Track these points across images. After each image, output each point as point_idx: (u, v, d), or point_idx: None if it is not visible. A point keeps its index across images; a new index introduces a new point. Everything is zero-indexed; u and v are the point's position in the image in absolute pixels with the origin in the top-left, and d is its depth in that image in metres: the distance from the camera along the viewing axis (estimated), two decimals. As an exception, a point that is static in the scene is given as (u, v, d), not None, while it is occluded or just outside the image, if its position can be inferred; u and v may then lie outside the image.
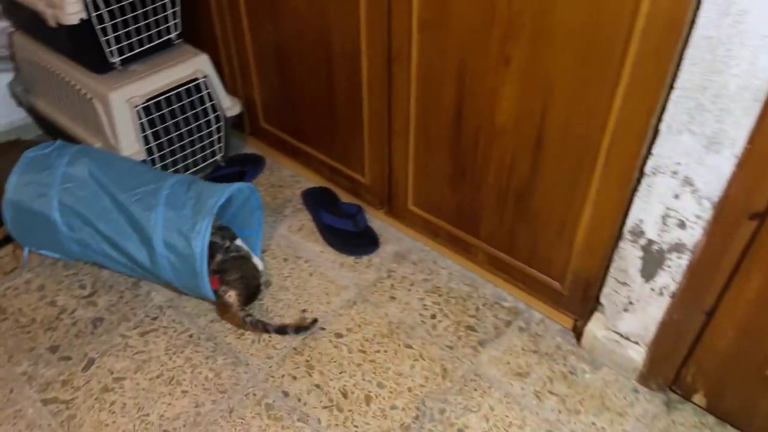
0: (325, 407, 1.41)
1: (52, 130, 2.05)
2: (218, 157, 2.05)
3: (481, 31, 1.26)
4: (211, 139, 1.98)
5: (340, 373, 1.48)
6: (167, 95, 1.80)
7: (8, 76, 2.13)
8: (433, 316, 1.60)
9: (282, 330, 1.52)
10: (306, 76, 1.74)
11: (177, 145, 1.88)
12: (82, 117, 1.86)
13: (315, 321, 1.56)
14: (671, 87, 1.06)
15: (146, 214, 1.48)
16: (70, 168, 1.56)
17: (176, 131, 1.86)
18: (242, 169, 2.04)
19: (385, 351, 1.52)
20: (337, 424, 1.37)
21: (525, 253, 1.51)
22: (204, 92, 1.89)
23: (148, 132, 1.80)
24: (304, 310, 1.62)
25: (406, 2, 1.35)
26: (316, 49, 1.64)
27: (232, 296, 1.50)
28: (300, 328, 1.53)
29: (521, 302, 1.63)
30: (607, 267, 1.36)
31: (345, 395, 1.43)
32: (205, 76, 1.87)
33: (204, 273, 1.44)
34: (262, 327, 1.50)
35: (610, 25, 1.08)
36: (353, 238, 1.79)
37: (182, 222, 1.47)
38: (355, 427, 1.37)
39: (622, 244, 1.30)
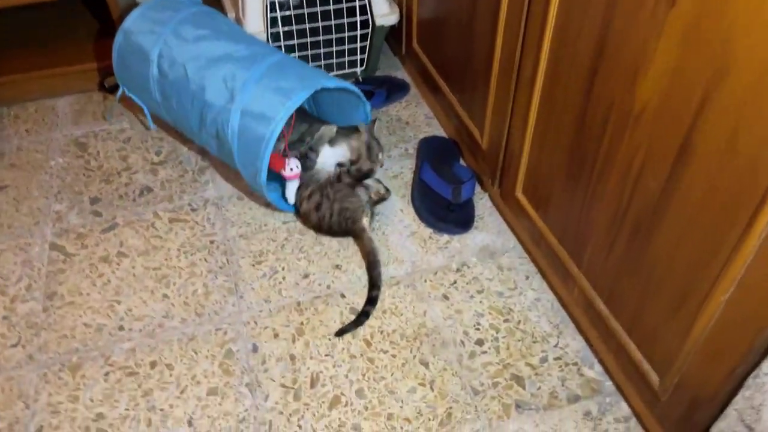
0: (282, 386, 1.10)
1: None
2: (357, 69, 1.77)
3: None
4: (353, 45, 1.70)
5: (326, 355, 1.15)
6: (308, -23, 1.56)
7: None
8: (480, 342, 1.17)
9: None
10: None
11: (310, 39, 1.64)
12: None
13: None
14: None
15: (240, 72, 1.29)
16: (190, 16, 1.43)
17: (312, 23, 1.62)
18: (376, 89, 1.74)
19: (393, 356, 1.15)
20: (280, 412, 1.06)
21: (627, 312, 0.99)
22: (356, -14, 1.60)
23: (278, 14, 1.59)
24: (337, 266, 1.30)
25: None
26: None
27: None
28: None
29: (610, 381, 1.10)
30: (733, 393, 0.79)
31: (312, 384, 1.11)
32: (360, -32, 1.58)
33: (266, 155, 1.22)
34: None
35: None
36: (444, 209, 1.40)
37: (269, 96, 1.25)
38: (299, 427, 1.05)
39: (766, 368, 0.73)
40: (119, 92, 1.54)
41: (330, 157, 1.36)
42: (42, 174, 1.53)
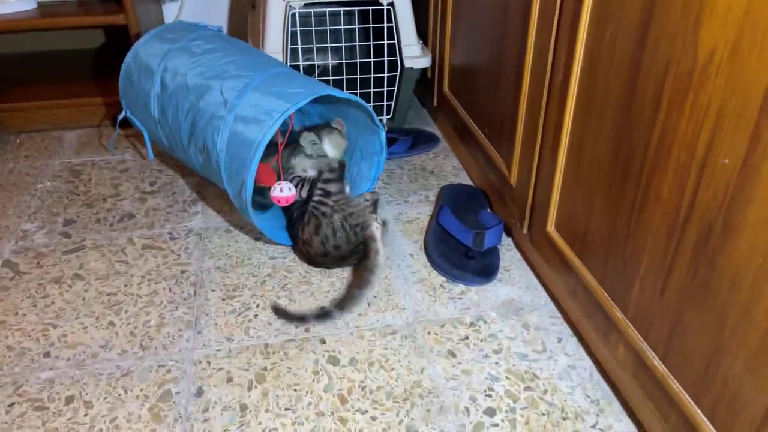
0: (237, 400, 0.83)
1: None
2: (384, 118, 1.61)
3: None
4: (379, 88, 1.56)
5: (286, 409, 0.88)
6: (334, 7, 1.45)
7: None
8: (491, 412, 0.87)
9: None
10: (485, 35, 1.20)
11: (332, 77, 1.52)
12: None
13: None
14: None
15: (240, 80, 1.14)
16: (204, 36, 1.32)
17: (336, 59, 1.50)
18: (401, 137, 1.57)
19: (373, 418, 0.87)
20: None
21: (693, 367, 0.69)
22: (385, 24, 1.48)
23: (299, 46, 1.48)
24: (323, 308, 1.06)
25: None
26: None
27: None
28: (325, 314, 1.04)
29: (670, 478, 0.78)
30: None
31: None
32: (391, 3, 1.47)
33: (253, 164, 1.03)
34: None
35: None
36: (462, 256, 1.16)
37: (266, 99, 1.08)
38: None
39: None
40: (121, 115, 1.43)
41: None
42: (24, 195, 1.39)
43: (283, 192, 1.12)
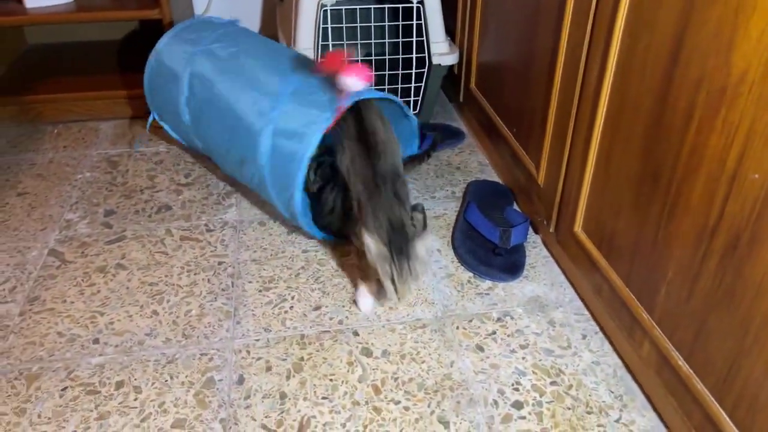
0: (264, 427, 0.89)
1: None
2: (411, 112, 1.64)
3: None
4: (407, 84, 1.59)
5: (323, 398, 0.93)
6: (365, 4, 1.48)
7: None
8: (518, 405, 0.92)
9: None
10: (514, 35, 1.23)
11: (361, 73, 1.55)
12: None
13: None
14: None
15: (272, 88, 1.16)
16: (224, 35, 1.36)
17: (366, 55, 1.53)
18: (427, 132, 1.60)
19: (406, 408, 0.91)
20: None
21: (717, 368, 0.73)
22: (414, 21, 1.51)
23: (330, 42, 1.51)
24: (356, 302, 1.11)
25: None
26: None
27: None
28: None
29: (690, 472, 0.82)
30: None
31: (301, 430, 0.88)
32: (421, 1, 1.50)
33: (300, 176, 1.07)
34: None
35: None
36: (488, 253, 1.19)
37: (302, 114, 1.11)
38: (273, 480, 0.82)
39: None
40: (150, 119, 1.48)
41: None
42: (65, 185, 1.45)
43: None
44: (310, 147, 1.06)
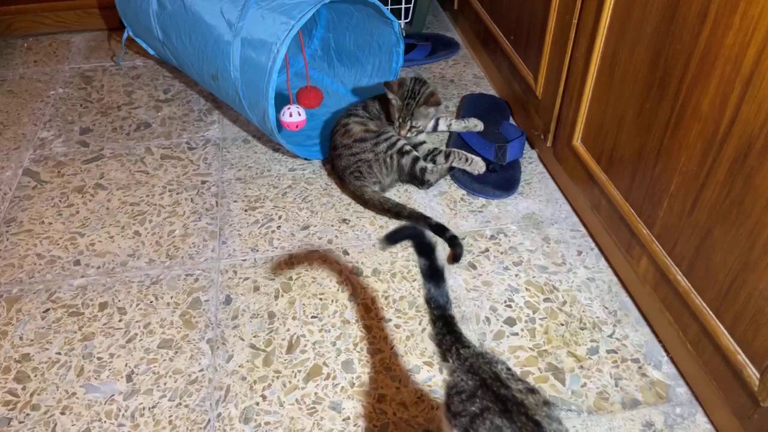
0: (252, 347, 0.87)
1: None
2: (402, 22, 1.55)
3: None
4: (397, -8, 1.49)
5: (312, 317, 0.91)
6: None
7: None
8: (511, 322, 0.90)
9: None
10: None
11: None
12: None
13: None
14: None
15: None
16: None
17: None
18: (420, 42, 1.51)
19: (396, 326, 0.90)
20: (243, 377, 0.83)
21: (717, 283, 0.71)
22: None
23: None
24: (345, 220, 1.07)
25: None
26: None
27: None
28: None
29: (685, 386, 0.81)
30: None
31: (290, 349, 0.87)
32: None
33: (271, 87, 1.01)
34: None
35: None
36: (485, 170, 1.15)
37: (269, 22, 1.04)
38: (262, 397, 0.81)
39: None
40: (124, 34, 1.39)
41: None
42: (38, 102, 1.37)
43: (293, 117, 1.12)
44: (278, 59, 0.99)
